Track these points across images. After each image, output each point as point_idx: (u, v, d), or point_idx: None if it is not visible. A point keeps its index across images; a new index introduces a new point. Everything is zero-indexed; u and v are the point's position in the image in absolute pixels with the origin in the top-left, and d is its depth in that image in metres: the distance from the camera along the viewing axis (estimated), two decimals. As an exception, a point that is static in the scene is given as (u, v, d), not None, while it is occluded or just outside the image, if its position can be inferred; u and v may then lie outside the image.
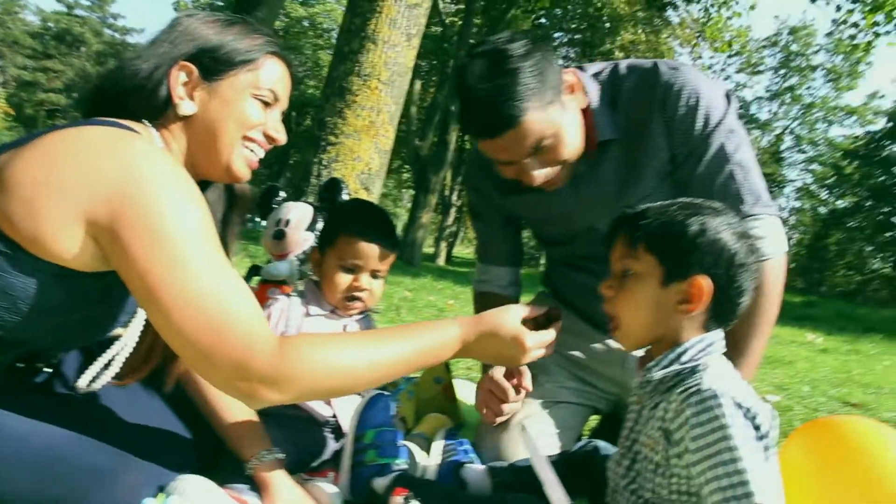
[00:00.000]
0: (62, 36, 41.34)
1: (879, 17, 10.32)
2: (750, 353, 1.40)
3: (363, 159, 2.58)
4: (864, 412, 3.26)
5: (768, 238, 1.39)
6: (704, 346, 1.04)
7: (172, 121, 1.09)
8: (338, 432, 1.51)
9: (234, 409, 1.26)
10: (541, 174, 1.40)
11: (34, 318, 0.95)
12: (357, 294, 1.53)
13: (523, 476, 1.36)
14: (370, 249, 1.51)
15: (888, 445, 1.35)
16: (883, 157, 27.11)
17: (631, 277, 1.07)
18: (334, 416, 1.51)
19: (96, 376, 1.15)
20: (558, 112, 1.35)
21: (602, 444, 1.35)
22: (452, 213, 27.38)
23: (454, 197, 26.90)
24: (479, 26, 20.22)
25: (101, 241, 0.92)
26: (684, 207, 1.05)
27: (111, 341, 1.16)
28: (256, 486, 1.20)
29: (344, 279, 1.52)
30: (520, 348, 1.12)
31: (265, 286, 2.20)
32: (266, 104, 1.14)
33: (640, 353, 1.16)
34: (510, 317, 1.13)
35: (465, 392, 2.13)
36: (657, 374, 1.04)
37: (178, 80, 1.07)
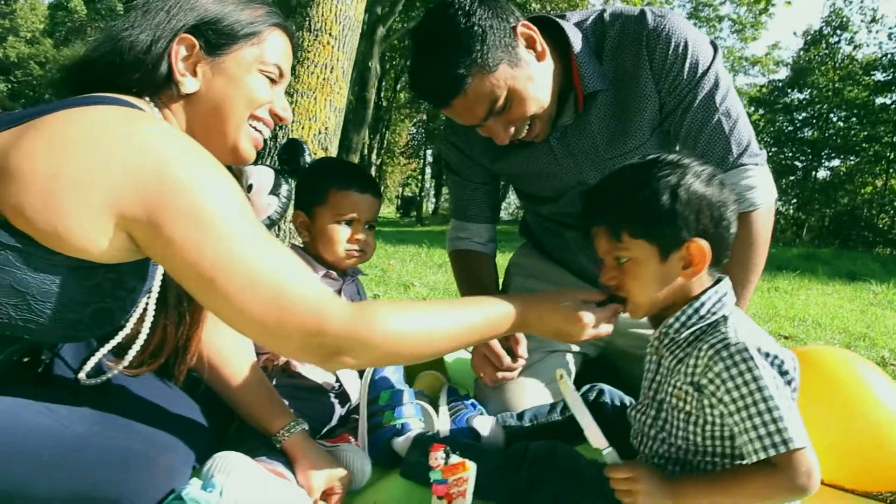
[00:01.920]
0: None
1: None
2: (740, 301, 1.45)
3: (319, 118, 2.53)
4: (796, 343, 3.56)
5: (758, 188, 1.45)
6: (719, 298, 1.08)
7: (173, 99, 1.03)
8: (342, 398, 1.52)
9: (254, 388, 1.25)
10: (508, 133, 1.41)
11: (46, 315, 0.90)
12: (358, 247, 1.55)
13: (533, 424, 1.42)
14: (364, 200, 1.54)
15: (860, 372, 1.50)
16: (785, 104, 28.79)
17: (628, 263, 1.09)
18: (338, 382, 1.51)
19: (100, 368, 1.11)
20: (509, 70, 1.33)
21: (606, 388, 1.43)
22: (372, 172, 27.13)
23: (374, 156, 26.61)
24: (392, -22, 19.72)
25: (137, 234, 0.87)
26: (644, 176, 1.05)
27: (113, 332, 1.12)
28: (284, 459, 1.20)
29: (343, 233, 1.53)
30: (579, 324, 1.12)
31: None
32: (272, 80, 1.09)
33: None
34: (570, 294, 1.15)
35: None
36: (684, 334, 1.08)
37: (179, 54, 1.01)
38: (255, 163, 2.86)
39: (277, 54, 1.09)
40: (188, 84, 1.02)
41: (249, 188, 2.24)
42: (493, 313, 1.09)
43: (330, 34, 2.55)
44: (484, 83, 1.31)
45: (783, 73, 31.52)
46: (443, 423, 1.46)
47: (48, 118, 0.88)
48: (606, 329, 1.15)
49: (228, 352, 1.28)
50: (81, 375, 1.10)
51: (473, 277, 1.80)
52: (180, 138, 0.92)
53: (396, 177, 46.29)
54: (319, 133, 2.54)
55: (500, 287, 1.93)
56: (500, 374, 1.55)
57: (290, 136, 2.44)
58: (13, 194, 0.83)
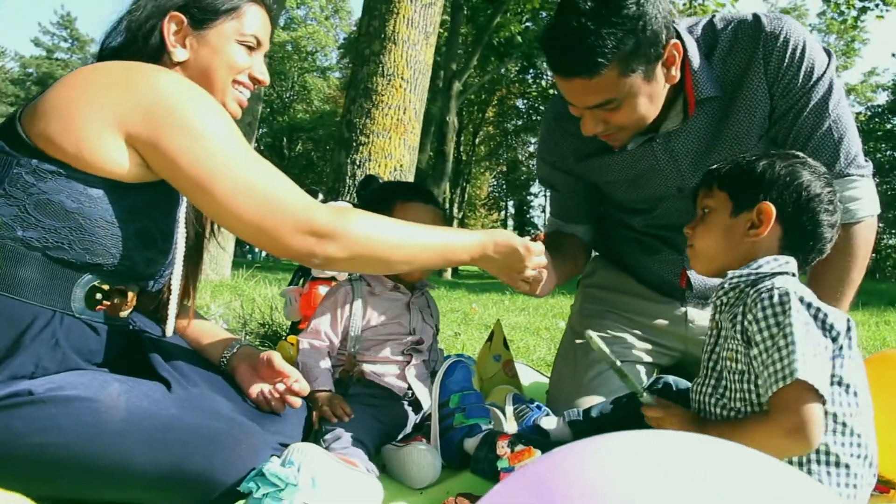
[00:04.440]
0: (44, 81, 41.71)
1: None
2: (840, 305, 1.43)
3: (395, 156, 2.69)
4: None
5: (862, 200, 1.43)
6: (779, 264, 1.12)
7: (168, 66, 1.21)
8: (415, 405, 1.59)
9: (206, 332, 1.45)
10: (596, 129, 1.40)
11: (96, 233, 1.07)
12: None
13: (600, 421, 1.43)
14: (428, 210, 1.64)
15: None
16: (886, 131, 27.29)
17: (708, 214, 1.20)
18: (410, 390, 1.59)
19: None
20: (640, 81, 1.31)
21: (672, 379, 1.42)
22: (455, 226, 27.56)
23: (455, 209, 27.10)
24: (464, 35, 20.51)
25: (141, 148, 1.07)
26: (760, 156, 1.17)
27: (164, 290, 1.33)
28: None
29: None
30: (527, 254, 1.37)
31: (314, 284, 2.29)
32: (250, 48, 1.28)
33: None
34: (517, 236, 1.38)
35: (522, 373, 2.21)
36: (730, 280, 1.13)
37: (170, 29, 1.21)
38: (336, 199, 3.07)
39: (255, 26, 1.28)
40: (178, 54, 1.23)
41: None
42: (457, 239, 1.30)
43: (402, 78, 2.74)
44: (612, 80, 1.29)
45: (883, 99, 29.99)
46: (510, 425, 1.50)
47: (76, 71, 1.11)
48: (541, 261, 1.41)
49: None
50: (169, 329, 1.32)
51: (559, 247, 1.74)
52: (180, 77, 1.13)
53: (478, 229, 46.68)
54: (395, 170, 2.71)
55: (574, 303, 1.96)
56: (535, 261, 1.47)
57: (368, 174, 2.61)
58: (42, 127, 1.04)
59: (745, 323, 1.06)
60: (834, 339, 1.01)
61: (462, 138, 29.71)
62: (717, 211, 1.18)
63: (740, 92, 1.45)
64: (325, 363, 1.55)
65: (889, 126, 27.47)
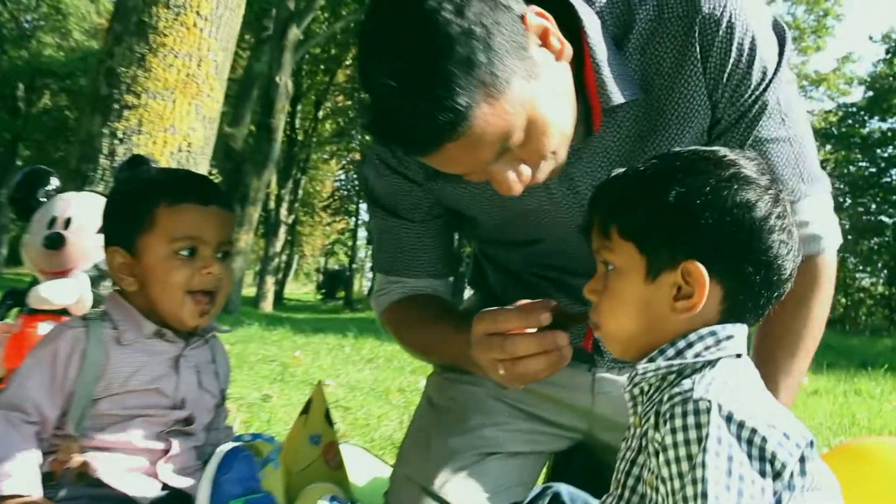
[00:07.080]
0: None
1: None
2: (791, 373, 1.50)
3: (180, 130, 2.57)
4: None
5: (822, 225, 1.52)
6: (718, 341, 1.08)
7: None
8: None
9: None
10: (523, 177, 1.31)
11: None
12: (207, 286, 1.55)
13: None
14: (209, 215, 1.55)
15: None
16: (863, 137, 30.05)
17: (612, 274, 1.13)
18: (167, 490, 1.50)
19: None
20: (524, 86, 1.21)
21: (566, 490, 1.42)
22: (282, 234, 27.17)
23: (284, 210, 26.75)
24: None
25: None
26: (664, 171, 1.09)
27: None
28: None
29: (184, 269, 1.53)
30: None
31: (32, 319, 2.14)
32: None
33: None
34: None
35: (355, 462, 2.15)
36: (640, 369, 1.10)
37: None
38: (82, 187, 2.88)
39: None
40: None
41: (67, 223, 2.25)
42: None
43: (198, 13, 2.65)
44: (495, 111, 1.19)
45: (858, 95, 33.11)
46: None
47: None
48: None
49: None
50: None
51: (432, 309, 1.73)
52: None
53: (317, 241, 46.50)
54: (180, 150, 2.60)
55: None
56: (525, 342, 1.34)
57: (135, 153, 2.46)
58: None
59: (657, 443, 1.03)
60: (777, 475, 0.98)
61: (299, 109, 29.55)
62: (624, 273, 1.11)
63: (668, 94, 1.44)
64: (28, 450, 1.42)
65: (865, 130, 30.28)
